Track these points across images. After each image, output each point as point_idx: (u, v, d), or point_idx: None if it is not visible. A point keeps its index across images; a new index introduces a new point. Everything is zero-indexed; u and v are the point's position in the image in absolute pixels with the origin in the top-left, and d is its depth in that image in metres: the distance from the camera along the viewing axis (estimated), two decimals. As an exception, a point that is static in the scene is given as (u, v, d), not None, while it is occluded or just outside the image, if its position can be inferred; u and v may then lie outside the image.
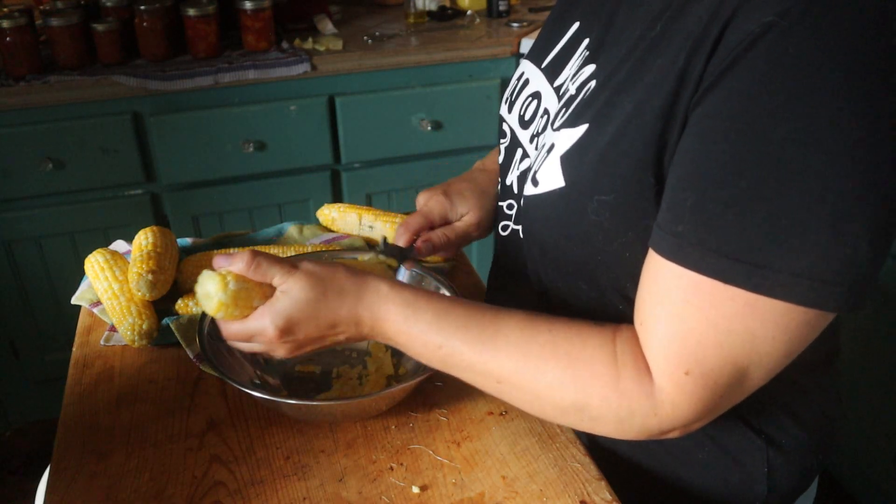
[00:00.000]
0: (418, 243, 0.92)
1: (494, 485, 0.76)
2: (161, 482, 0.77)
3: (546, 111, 0.80)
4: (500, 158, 0.90)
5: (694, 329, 0.60)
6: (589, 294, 0.75)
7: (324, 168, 2.02)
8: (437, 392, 0.87)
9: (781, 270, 0.56)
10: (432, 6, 2.21)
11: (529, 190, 0.75)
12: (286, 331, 0.70)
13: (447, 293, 0.90)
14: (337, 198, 2.07)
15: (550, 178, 0.71)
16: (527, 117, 0.84)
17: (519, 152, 0.84)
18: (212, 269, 0.72)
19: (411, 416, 0.84)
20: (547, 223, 0.73)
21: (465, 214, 0.95)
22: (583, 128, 0.69)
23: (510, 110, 0.88)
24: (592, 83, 0.72)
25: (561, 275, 0.77)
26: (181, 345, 0.93)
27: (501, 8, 2.19)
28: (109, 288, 0.97)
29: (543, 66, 0.84)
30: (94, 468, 0.79)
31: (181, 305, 0.98)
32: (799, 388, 0.80)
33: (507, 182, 0.86)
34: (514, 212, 0.85)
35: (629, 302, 0.69)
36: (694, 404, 0.63)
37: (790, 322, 0.59)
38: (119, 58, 1.84)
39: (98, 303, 1.01)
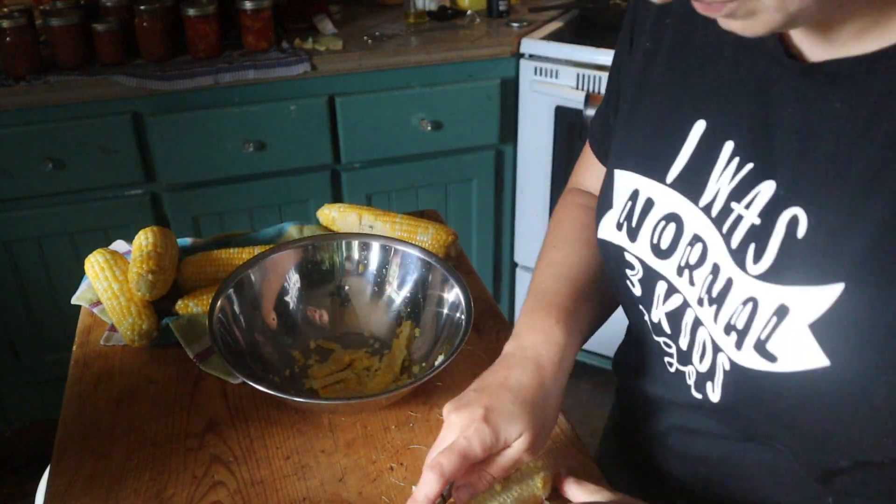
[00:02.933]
0: (458, 492, 0.68)
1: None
2: (161, 482, 0.77)
3: (698, 238, 0.65)
4: (637, 292, 0.73)
5: None
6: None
7: (324, 168, 2.03)
8: (437, 392, 0.87)
9: None
10: (432, 6, 2.21)
11: (755, 361, 0.58)
12: None
13: (460, 291, 0.90)
14: (337, 198, 2.07)
15: (798, 353, 0.56)
16: (663, 246, 0.68)
17: (662, 287, 0.69)
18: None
19: (411, 416, 0.84)
20: (799, 403, 0.57)
21: (517, 438, 0.69)
22: (836, 288, 0.54)
23: (633, 238, 0.71)
24: (798, 214, 0.57)
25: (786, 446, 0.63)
26: (181, 345, 0.93)
27: (501, 8, 2.19)
28: (109, 288, 0.97)
29: (670, 181, 0.67)
30: (94, 468, 0.79)
31: (181, 305, 0.98)
32: None
33: (654, 319, 0.71)
34: (673, 351, 0.70)
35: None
36: None
37: None
38: (119, 58, 1.84)
39: (98, 303, 1.01)
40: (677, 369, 0.70)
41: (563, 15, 2.26)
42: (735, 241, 0.61)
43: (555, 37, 2.07)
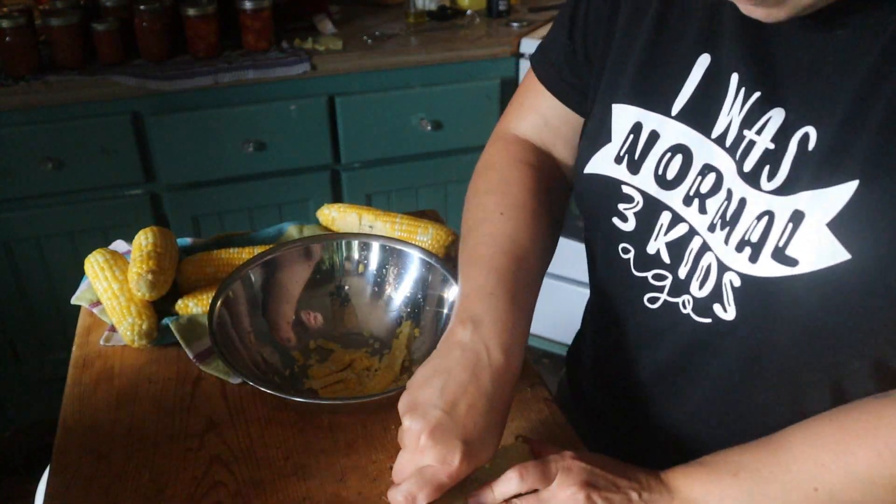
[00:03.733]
0: None
1: (494, 485, 0.76)
2: (161, 482, 0.77)
3: (710, 168, 0.67)
4: (628, 226, 0.73)
5: None
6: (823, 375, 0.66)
7: (323, 168, 2.03)
8: (437, 392, 0.87)
9: None
10: (432, 6, 2.21)
11: (774, 269, 0.61)
12: (580, 458, 0.66)
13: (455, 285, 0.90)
14: (337, 198, 2.07)
15: (819, 251, 0.59)
16: (669, 176, 0.70)
17: (665, 217, 0.70)
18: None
19: (411, 416, 0.84)
20: (821, 302, 0.60)
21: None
22: (850, 186, 0.57)
23: (635, 170, 0.72)
24: (809, 131, 0.60)
25: (802, 360, 0.65)
26: (181, 345, 0.93)
27: (501, 8, 2.19)
28: (109, 288, 0.97)
29: (675, 113, 0.70)
30: (94, 468, 0.79)
31: (181, 305, 0.98)
32: None
33: (650, 251, 0.72)
34: (666, 283, 0.71)
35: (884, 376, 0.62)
36: None
37: None
38: (119, 58, 1.84)
39: (98, 303, 1.01)
40: (665, 302, 0.71)
41: (563, 15, 2.26)
42: (748, 164, 0.64)
43: (555, 37, 2.07)
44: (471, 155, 2.14)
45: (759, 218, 0.62)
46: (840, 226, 0.58)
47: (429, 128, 2.01)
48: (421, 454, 0.64)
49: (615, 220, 0.74)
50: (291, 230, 1.14)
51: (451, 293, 0.92)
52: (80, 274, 1.06)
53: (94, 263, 1.01)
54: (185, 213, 1.96)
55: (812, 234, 0.59)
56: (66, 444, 0.82)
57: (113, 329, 0.97)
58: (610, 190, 0.73)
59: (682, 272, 0.69)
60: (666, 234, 0.70)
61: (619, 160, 0.73)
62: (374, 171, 2.07)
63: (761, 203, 0.63)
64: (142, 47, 1.86)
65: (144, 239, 1.01)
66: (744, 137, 0.65)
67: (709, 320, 0.67)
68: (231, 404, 0.87)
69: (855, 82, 0.58)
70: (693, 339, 0.70)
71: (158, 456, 0.80)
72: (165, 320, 0.96)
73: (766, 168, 0.63)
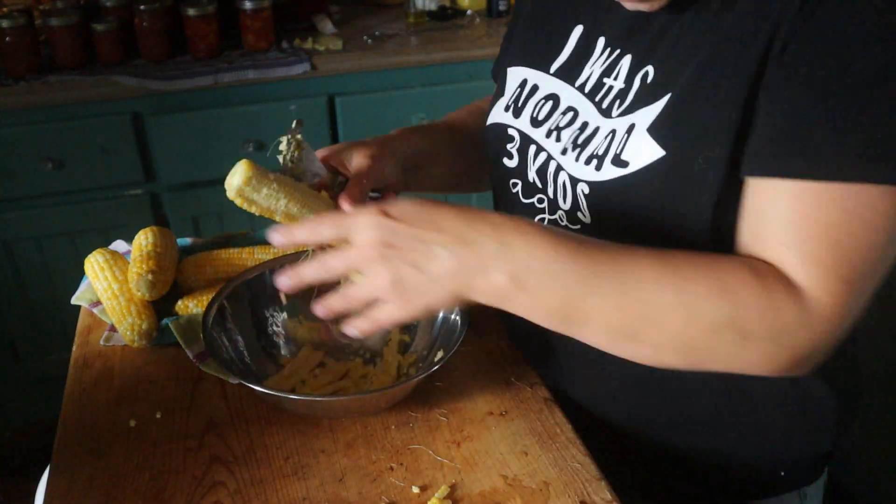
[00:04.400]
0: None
1: (494, 485, 0.76)
2: (161, 482, 0.77)
3: (571, 108, 0.81)
4: (513, 163, 0.87)
5: (848, 235, 0.61)
6: None
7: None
8: (437, 392, 0.87)
9: None
10: (432, 6, 2.21)
11: (612, 173, 0.73)
12: (386, 211, 0.65)
13: None
14: (337, 198, 2.06)
15: (643, 153, 0.71)
16: (540, 117, 0.84)
17: (532, 149, 0.84)
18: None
19: (411, 416, 0.84)
20: (649, 197, 0.71)
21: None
22: (665, 98, 0.71)
23: (517, 115, 0.87)
24: (649, 69, 0.73)
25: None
26: (181, 345, 0.93)
27: (501, 8, 2.19)
28: (109, 288, 0.97)
29: (553, 71, 0.85)
30: (94, 468, 0.79)
31: (181, 306, 0.98)
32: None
33: (531, 180, 0.85)
34: (546, 205, 0.83)
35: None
36: (845, 314, 0.63)
37: None
38: (119, 58, 1.84)
39: (98, 303, 1.01)
40: (547, 221, 0.83)
41: (563, 15, 2.26)
42: (605, 102, 0.77)
43: (555, 37, 2.07)
44: (471, 155, 2.14)
45: (606, 136, 0.75)
46: (656, 130, 0.70)
47: (429, 128, 2.01)
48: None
49: (505, 160, 0.88)
50: (291, 230, 1.13)
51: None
52: (80, 274, 1.06)
53: (94, 263, 1.01)
54: (185, 213, 1.96)
55: (638, 139, 0.71)
56: (66, 444, 0.82)
57: (113, 329, 0.97)
58: (500, 134, 0.88)
59: (551, 192, 0.81)
60: (534, 162, 0.83)
61: (507, 109, 0.88)
62: (374, 171, 2.06)
63: (609, 126, 0.75)
64: (142, 47, 1.86)
65: (144, 239, 1.01)
66: (604, 84, 0.78)
67: (578, 227, 0.78)
68: (231, 404, 0.87)
69: (696, 43, 0.70)
70: None
71: (158, 456, 0.80)
72: (165, 320, 0.96)
73: (618, 101, 0.76)
